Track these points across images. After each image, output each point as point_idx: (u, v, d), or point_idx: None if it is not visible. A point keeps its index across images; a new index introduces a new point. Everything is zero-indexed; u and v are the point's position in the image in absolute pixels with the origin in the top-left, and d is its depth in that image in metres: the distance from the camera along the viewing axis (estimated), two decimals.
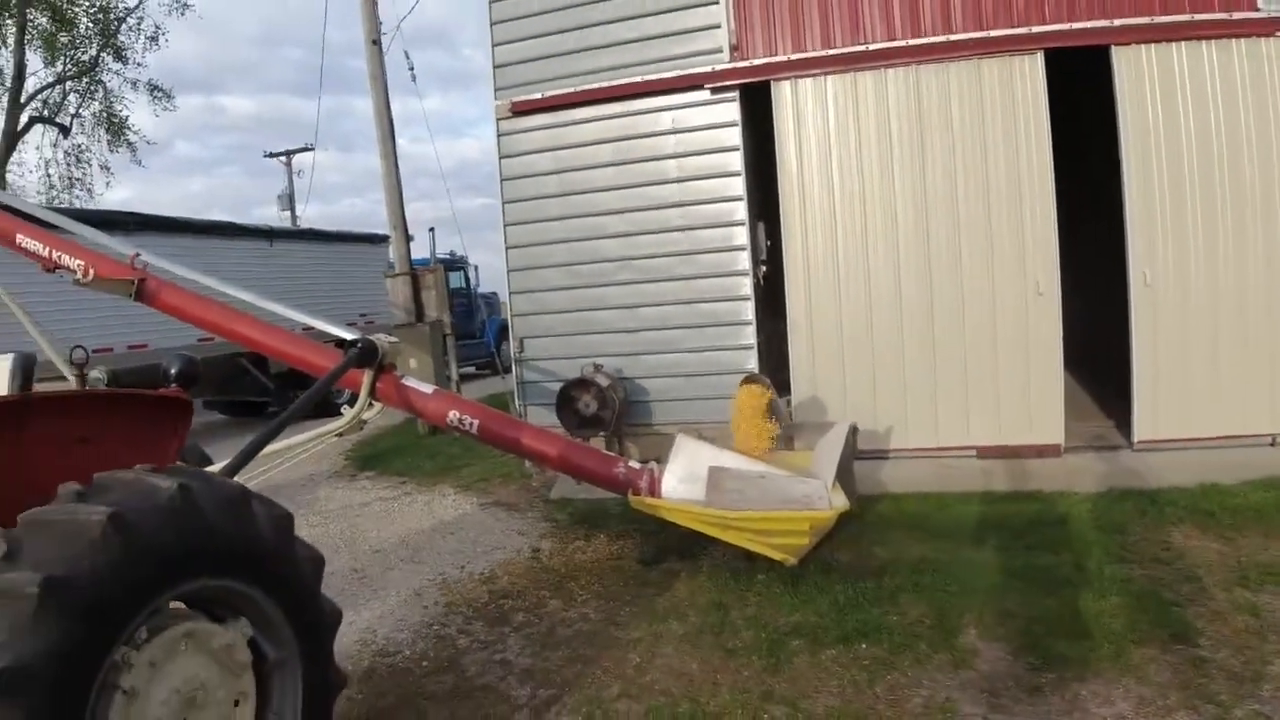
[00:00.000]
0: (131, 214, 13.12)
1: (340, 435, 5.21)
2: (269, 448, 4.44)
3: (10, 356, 3.20)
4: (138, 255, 5.64)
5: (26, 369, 3.17)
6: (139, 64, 24.00)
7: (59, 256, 5.78)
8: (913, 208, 6.72)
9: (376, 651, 4.40)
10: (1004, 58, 6.46)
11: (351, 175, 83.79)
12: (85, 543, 2.08)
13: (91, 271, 5.52)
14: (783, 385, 7.18)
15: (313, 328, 5.76)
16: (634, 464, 5.19)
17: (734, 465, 4.97)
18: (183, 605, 2.51)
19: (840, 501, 4.60)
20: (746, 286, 7.34)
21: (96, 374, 4.77)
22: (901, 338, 6.77)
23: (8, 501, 2.29)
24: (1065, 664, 3.53)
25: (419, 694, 3.91)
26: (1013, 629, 3.90)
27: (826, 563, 4.90)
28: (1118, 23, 6.23)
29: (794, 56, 7.04)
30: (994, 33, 6.45)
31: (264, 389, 13.57)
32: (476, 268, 21.11)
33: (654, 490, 4.95)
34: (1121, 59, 6.27)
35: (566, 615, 4.69)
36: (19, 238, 5.86)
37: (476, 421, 5.16)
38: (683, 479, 4.95)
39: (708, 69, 7.28)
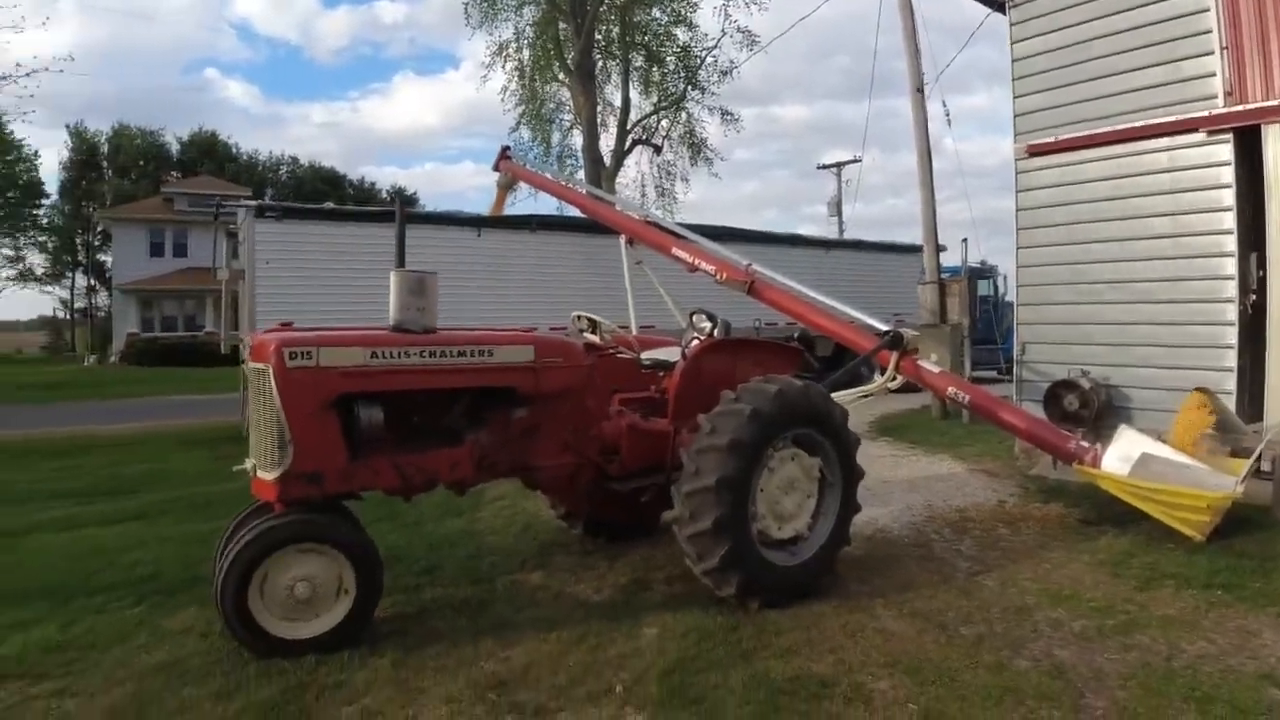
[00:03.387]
0: (723, 227, 17.04)
1: (869, 396, 7.58)
2: None
3: (719, 318, 6.33)
4: (750, 264, 7.82)
5: (727, 327, 6.32)
6: (714, 93, 28.77)
7: (698, 263, 8.08)
8: None
9: (876, 529, 6.91)
10: None
11: (892, 175, 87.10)
12: (767, 397, 4.99)
13: (724, 275, 8.07)
14: (1260, 410, 7.81)
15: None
16: (1083, 443, 6.83)
17: (1163, 454, 6.36)
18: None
19: (1239, 491, 5.77)
20: (1231, 313, 7.89)
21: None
22: None
23: (732, 383, 5.29)
24: None
25: (899, 554, 6.31)
26: None
27: (1229, 545, 5.93)
28: None
29: None
30: None
31: (810, 367, 16.94)
32: (1005, 277, 22.02)
33: (1095, 463, 6.56)
34: None
35: (1010, 538, 6.64)
36: (673, 249, 8.29)
37: (968, 396, 7.24)
38: (1119, 458, 6.48)
39: (1203, 113, 7.96)
